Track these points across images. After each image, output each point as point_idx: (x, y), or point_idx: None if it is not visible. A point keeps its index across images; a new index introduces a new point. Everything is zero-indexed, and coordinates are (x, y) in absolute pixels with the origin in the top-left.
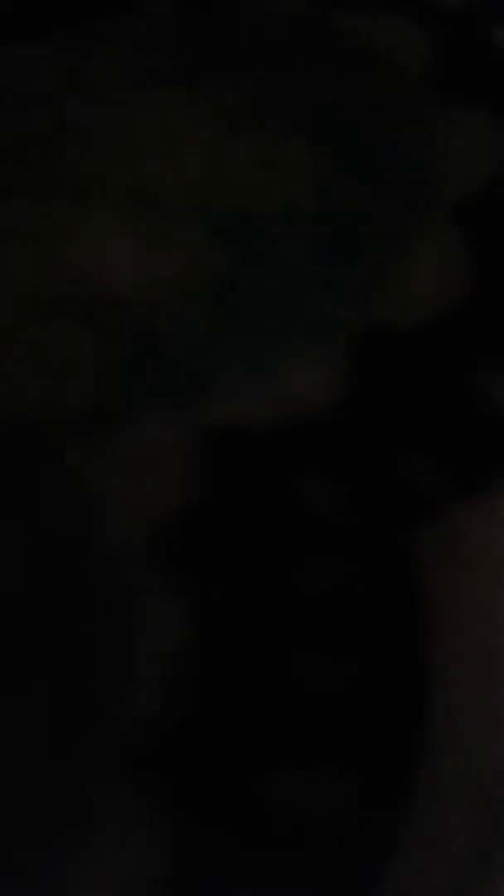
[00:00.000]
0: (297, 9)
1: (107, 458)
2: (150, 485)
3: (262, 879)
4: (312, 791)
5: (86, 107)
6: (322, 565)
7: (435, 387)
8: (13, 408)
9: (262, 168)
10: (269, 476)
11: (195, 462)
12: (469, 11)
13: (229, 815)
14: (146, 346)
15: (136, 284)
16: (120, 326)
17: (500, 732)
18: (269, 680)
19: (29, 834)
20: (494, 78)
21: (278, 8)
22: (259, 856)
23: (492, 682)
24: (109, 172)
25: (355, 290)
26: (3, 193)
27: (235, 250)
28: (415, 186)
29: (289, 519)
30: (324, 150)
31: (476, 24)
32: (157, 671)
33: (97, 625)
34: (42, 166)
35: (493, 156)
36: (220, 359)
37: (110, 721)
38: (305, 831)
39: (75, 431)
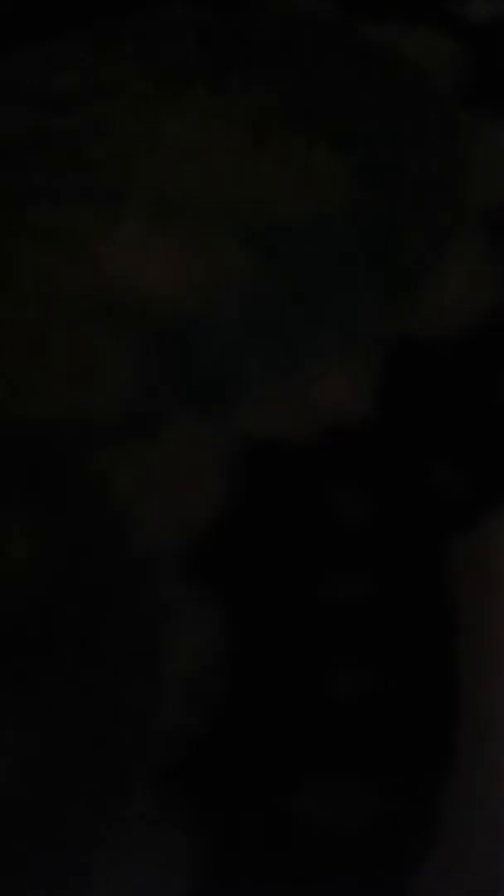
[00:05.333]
0: (319, 11)
1: (137, 466)
2: (179, 494)
3: (288, 887)
4: (342, 801)
5: (110, 108)
6: (353, 576)
7: (466, 396)
8: (43, 412)
9: (291, 174)
10: (301, 487)
11: (225, 470)
12: (497, 24)
13: (257, 825)
14: (177, 352)
15: (166, 289)
16: (151, 331)
17: None
18: (300, 692)
19: (58, 836)
20: None
21: (299, 9)
22: (285, 863)
23: None
24: (139, 176)
25: (385, 299)
26: (33, 196)
27: (265, 256)
28: (443, 195)
29: (322, 531)
30: (353, 158)
31: (502, 36)
32: (185, 679)
33: (123, 631)
34: (70, 169)
35: None
36: (249, 365)
37: (136, 726)
38: (333, 839)
39: (105, 438)
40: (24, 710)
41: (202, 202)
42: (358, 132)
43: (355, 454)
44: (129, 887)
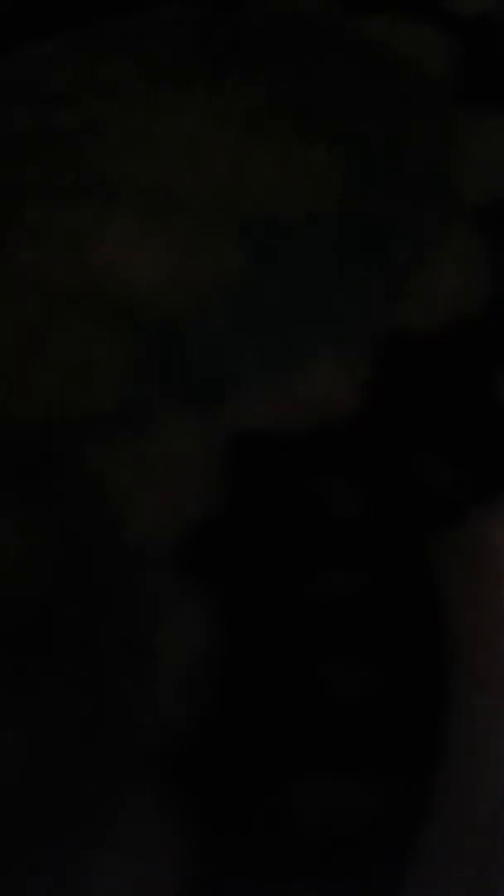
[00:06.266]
0: (314, 9)
1: (131, 462)
2: (174, 490)
3: (284, 884)
4: (335, 797)
5: (107, 107)
6: (344, 572)
7: (456, 392)
8: (37, 409)
9: (286, 170)
10: (292, 481)
11: (219, 467)
12: (489, 19)
13: (251, 821)
14: (169, 347)
15: (159, 285)
16: (143, 328)
17: None
18: (293, 687)
19: (50, 831)
20: None
21: (295, 8)
22: (280, 862)
23: None
24: (133, 173)
25: (378, 294)
26: (28, 193)
27: (258, 253)
28: (437, 191)
29: (311, 525)
30: (347, 154)
31: (495, 31)
32: (180, 676)
33: (120, 629)
34: (67, 166)
35: None
36: (242, 362)
37: (133, 724)
38: (328, 837)
39: (99, 434)
40: (23, 710)
41: (198, 200)
42: (355, 131)
43: (349, 450)
44: (127, 886)
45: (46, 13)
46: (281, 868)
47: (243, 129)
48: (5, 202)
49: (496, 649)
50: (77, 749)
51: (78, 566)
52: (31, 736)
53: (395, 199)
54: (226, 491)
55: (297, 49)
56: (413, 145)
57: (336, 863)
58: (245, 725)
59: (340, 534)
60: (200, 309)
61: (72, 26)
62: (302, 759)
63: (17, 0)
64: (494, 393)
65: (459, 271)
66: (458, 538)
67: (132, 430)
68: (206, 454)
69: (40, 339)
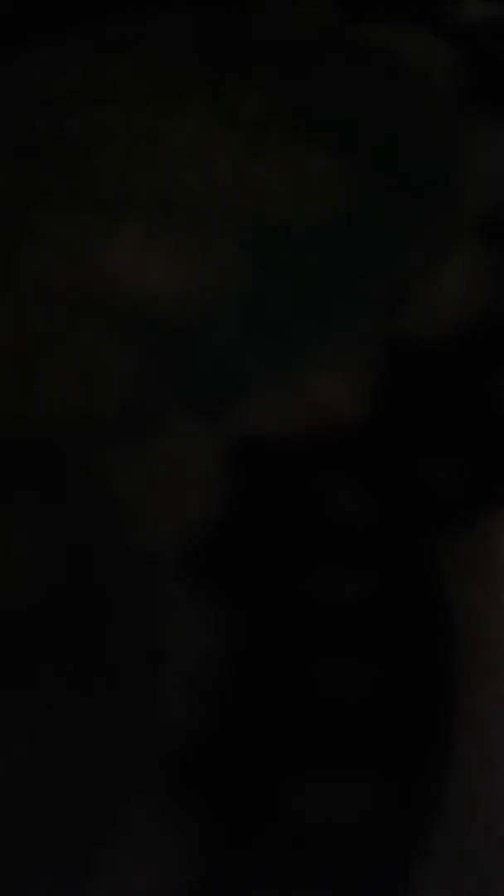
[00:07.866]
0: (318, 15)
1: (135, 466)
2: (178, 494)
3: (287, 884)
4: (339, 797)
5: (111, 112)
6: (348, 575)
7: (461, 398)
8: (42, 412)
9: (290, 177)
10: (297, 486)
11: (223, 470)
12: (490, 26)
13: (255, 822)
14: (176, 353)
15: (163, 290)
16: (149, 334)
17: None
18: (296, 688)
19: (53, 832)
20: None
21: (299, 11)
22: (283, 861)
23: None
24: (139, 180)
25: (382, 300)
26: (35, 198)
27: (263, 259)
28: (441, 197)
29: (317, 529)
30: (350, 160)
31: (496, 38)
32: (185, 677)
33: (125, 630)
34: (72, 172)
35: None
36: (248, 368)
37: (138, 725)
38: (331, 837)
39: (104, 438)
40: (26, 710)
41: (202, 205)
42: (357, 134)
43: (353, 454)
44: (129, 885)
45: (50, 18)
46: (284, 868)
47: (246, 133)
48: (12, 207)
49: (499, 651)
50: (81, 750)
51: (82, 568)
52: (36, 736)
53: (400, 204)
54: (230, 494)
55: (299, 53)
56: (415, 150)
57: (338, 863)
58: (250, 726)
59: (345, 536)
60: (205, 313)
61: (75, 31)
62: (306, 760)
63: (22, 5)
64: (498, 398)
65: (465, 276)
66: (462, 542)
67: (137, 434)
68: (210, 457)
69: (46, 342)
